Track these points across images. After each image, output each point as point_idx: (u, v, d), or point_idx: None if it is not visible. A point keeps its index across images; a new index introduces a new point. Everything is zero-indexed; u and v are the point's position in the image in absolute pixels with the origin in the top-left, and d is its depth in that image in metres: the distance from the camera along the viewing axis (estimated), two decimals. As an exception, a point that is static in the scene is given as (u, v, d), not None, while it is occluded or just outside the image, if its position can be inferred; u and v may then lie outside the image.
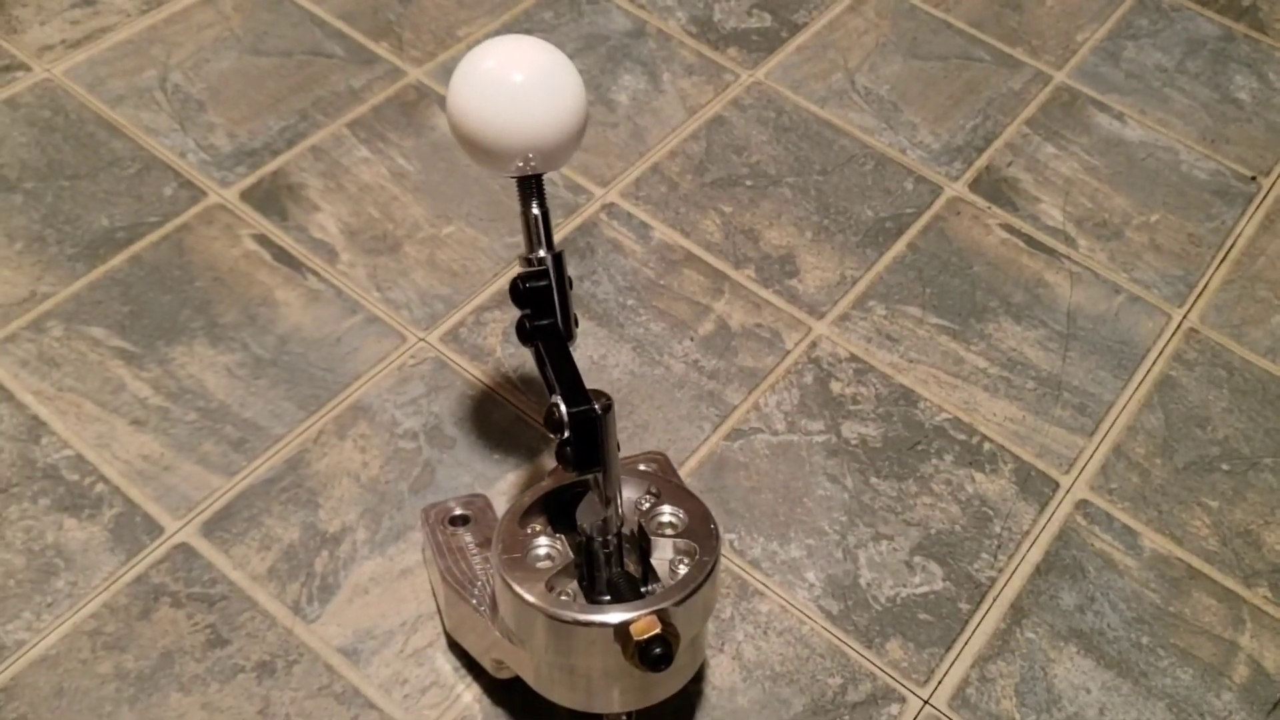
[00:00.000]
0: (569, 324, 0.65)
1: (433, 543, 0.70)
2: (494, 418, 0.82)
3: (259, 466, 0.78)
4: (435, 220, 0.92)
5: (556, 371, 0.62)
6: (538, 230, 0.64)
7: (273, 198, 0.92)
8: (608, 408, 0.60)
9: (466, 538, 0.70)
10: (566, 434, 0.59)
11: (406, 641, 0.71)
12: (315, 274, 0.88)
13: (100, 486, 0.76)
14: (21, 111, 0.96)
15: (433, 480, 0.78)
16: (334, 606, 0.72)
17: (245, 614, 0.71)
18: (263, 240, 0.89)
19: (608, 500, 0.62)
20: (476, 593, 0.67)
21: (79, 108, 0.96)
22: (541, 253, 0.64)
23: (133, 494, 0.76)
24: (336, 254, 0.89)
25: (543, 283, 0.64)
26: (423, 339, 0.85)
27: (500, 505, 0.77)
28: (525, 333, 0.64)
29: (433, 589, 0.73)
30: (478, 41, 1.04)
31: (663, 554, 0.64)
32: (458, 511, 0.71)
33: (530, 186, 0.64)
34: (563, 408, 0.59)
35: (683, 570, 0.62)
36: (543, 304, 0.64)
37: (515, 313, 0.86)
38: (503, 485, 0.78)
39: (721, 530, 0.68)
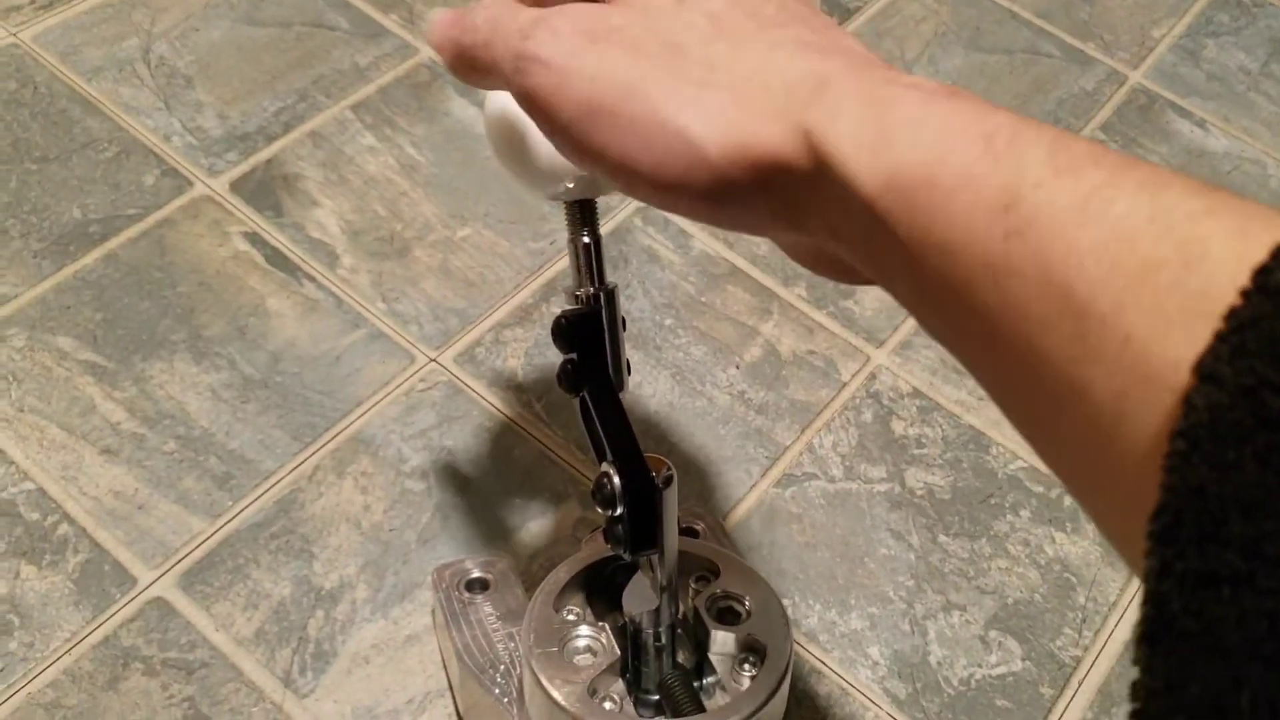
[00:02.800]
0: (620, 371, 0.55)
1: (446, 610, 0.60)
2: (515, 454, 0.72)
3: (246, 507, 0.68)
4: (449, 220, 0.82)
5: (607, 431, 0.52)
6: (587, 261, 0.54)
7: (266, 189, 0.81)
8: (669, 480, 0.50)
9: (486, 608, 0.60)
10: (620, 510, 0.50)
11: (414, 722, 0.62)
12: (312, 280, 0.77)
13: (64, 528, 0.66)
14: (-16, 81, 0.85)
15: (444, 529, 0.68)
16: (330, 678, 0.63)
17: (229, 685, 0.62)
18: (254, 239, 0.79)
19: (663, 587, 0.52)
20: (500, 679, 0.57)
21: (50, 80, 0.85)
22: (591, 288, 0.54)
23: (101, 537, 0.66)
24: (337, 257, 0.79)
25: (592, 321, 0.54)
26: (434, 359, 0.75)
27: (521, 561, 0.67)
28: (569, 378, 0.54)
29: (444, 661, 0.63)
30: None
31: (722, 648, 0.54)
32: (475, 574, 0.62)
33: (581, 211, 0.54)
34: (616, 479, 0.50)
35: (749, 674, 0.53)
36: (591, 346, 0.54)
37: (541, 331, 0.77)
38: (524, 536, 0.69)
39: (790, 621, 0.58)
